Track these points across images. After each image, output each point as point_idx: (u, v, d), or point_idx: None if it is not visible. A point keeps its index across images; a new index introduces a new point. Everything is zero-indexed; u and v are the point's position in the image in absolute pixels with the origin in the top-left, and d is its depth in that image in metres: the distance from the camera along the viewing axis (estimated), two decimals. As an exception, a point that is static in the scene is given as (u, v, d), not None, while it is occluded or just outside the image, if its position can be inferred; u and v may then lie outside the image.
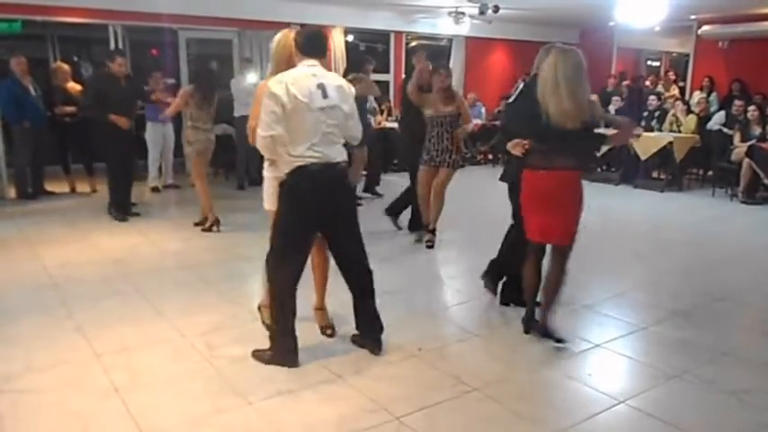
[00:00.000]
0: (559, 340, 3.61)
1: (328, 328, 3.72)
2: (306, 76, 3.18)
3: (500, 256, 4.34)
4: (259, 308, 3.84)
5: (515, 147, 3.54)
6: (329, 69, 3.44)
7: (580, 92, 3.42)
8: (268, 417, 2.81)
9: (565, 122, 3.37)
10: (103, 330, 3.72)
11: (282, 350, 3.30)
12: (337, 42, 10.48)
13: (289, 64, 3.33)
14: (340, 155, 3.29)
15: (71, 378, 3.14)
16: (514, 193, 3.88)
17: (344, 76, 7.53)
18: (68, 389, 3.04)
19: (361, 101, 7.60)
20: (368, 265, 3.49)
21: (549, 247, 3.66)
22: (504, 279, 4.29)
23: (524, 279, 3.78)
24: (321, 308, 3.79)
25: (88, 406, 2.89)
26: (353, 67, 6.93)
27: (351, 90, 3.34)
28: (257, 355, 3.36)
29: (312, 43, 3.28)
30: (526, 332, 3.76)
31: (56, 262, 5.08)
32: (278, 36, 3.52)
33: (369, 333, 3.52)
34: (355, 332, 3.59)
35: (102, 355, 3.40)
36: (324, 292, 3.77)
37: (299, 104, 3.10)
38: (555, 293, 3.63)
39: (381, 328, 3.52)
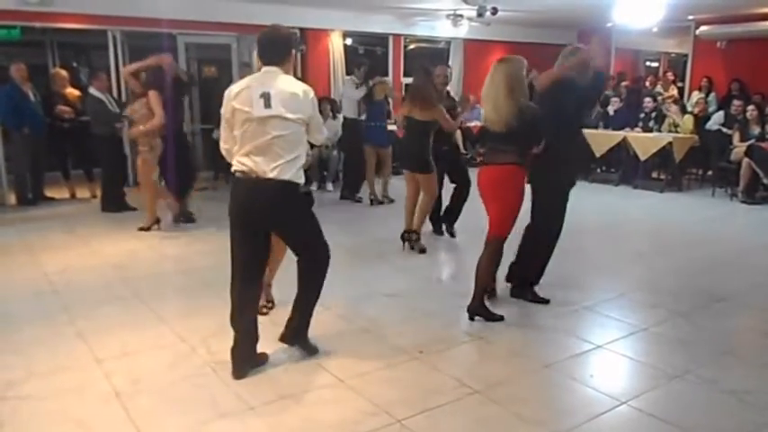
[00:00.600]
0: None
1: (264, 307, 3.87)
2: (255, 82, 3.08)
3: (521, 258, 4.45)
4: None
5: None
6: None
7: (502, 104, 3.85)
8: (269, 421, 2.81)
9: (492, 126, 3.92)
10: (104, 336, 3.73)
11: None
12: (336, 46, 10.50)
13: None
14: (276, 170, 3.04)
15: (72, 384, 3.14)
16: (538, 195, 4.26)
17: (366, 80, 7.73)
18: (69, 395, 3.04)
19: (381, 103, 7.66)
20: (316, 256, 3.33)
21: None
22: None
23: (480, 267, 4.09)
24: (268, 284, 3.89)
25: (89, 412, 2.88)
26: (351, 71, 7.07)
27: (306, 97, 3.11)
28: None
29: (266, 49, 3.14)
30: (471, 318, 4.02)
31: (56, 268, 5.09)
32: None
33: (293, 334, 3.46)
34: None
35: (102, 360, 3.40)
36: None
37: (238, 113, 3.05)
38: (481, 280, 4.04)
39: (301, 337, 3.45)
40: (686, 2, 8.58)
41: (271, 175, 3.04)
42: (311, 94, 3.16)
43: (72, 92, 7.98)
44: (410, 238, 5.71)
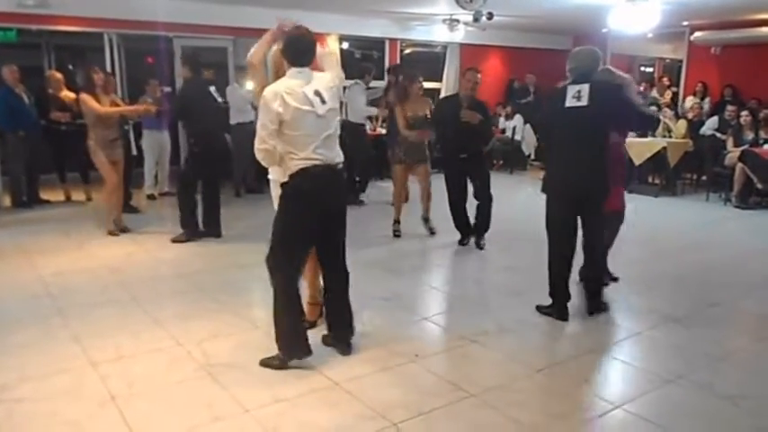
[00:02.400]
0: None
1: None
2: (300, 84, 3.22)
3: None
4: None
5: None
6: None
7: None
8: (265, 424, 2.81)
9: None
10: (99, 339, 3.72)
11: (292, 349, 3.35)
12: (332, 49, 10.50)
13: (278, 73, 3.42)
14: (339, 156, 3.37)
15: (67, 387, 3.14)
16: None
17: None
18: (64, 398, 3.03)
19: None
20: (346, 267, 3.58)
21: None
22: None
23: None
24: (314, 303, 3.88)
25: (84, 415, 2.88)
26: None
27: (337, 81, 3.41)
28: (265, 362, 3.37)
29: (298, 51, 3.31)
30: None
31: (51, 271, 5.07)
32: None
33: (341, 334, 3.57)
34: (326, 332, 3.62)
35: (98, 363, 3.39)
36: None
37: (299, 113, 3.16)
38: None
39: (353, 331, 3.59)
40: (681, 8, 8.63)
41: (338, 161, 3.35)
42: (334, 80, 3.39)
43: (67, 94, 7.94)
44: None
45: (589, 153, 3.97)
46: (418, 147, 6.11)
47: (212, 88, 5.81)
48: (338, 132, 3.39)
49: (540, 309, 4.23)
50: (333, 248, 3.51)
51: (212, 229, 6.21)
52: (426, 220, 6.36)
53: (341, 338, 3.57)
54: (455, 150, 5.79)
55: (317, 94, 3.23)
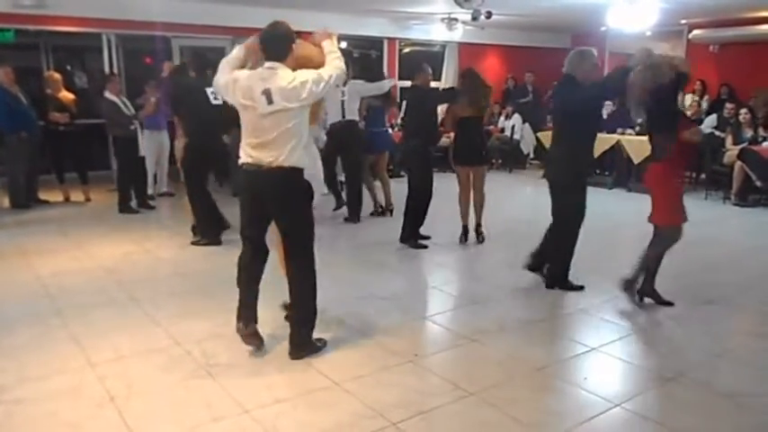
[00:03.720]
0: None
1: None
2: (255, 77, 3.26)
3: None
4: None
5: None
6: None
7: None
8: (264, 424, 2.81)
9: None
10: (98, 339, 3.71)
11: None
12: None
13: (297, 63, 3.37)
14: (280, 158, 3.26)
15: (66, 388, 3.13)
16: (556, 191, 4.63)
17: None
18: (63, 399, 3.03)
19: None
20: (298, 255, 3.47)
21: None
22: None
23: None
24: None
25: (83, 416, 2.87)
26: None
27: (303, 85, 3.20)
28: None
29: (269, 46, 3.31)
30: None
31: (50, 271, 5.07)
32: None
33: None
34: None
35: (96, 364, 3.39)
36: None
37: (240, 106, 3.29)
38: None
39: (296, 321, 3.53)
40: (679, 6, 8.64)
41: (275, 164, 3.27)
42: (300, 79, 3.21)
43: (66, 95, 7.96)
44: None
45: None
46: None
47: (210, 90, 5.80)
48: (299, 134, 3.29)
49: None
50: (282, 233, 3.51)
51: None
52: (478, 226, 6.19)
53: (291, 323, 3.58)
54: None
55: (266, 92, 3.19)
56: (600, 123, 4.75)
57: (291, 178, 3.33)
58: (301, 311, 3.50)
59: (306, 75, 3.24)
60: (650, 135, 4.30)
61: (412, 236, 5.99)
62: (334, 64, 3.36)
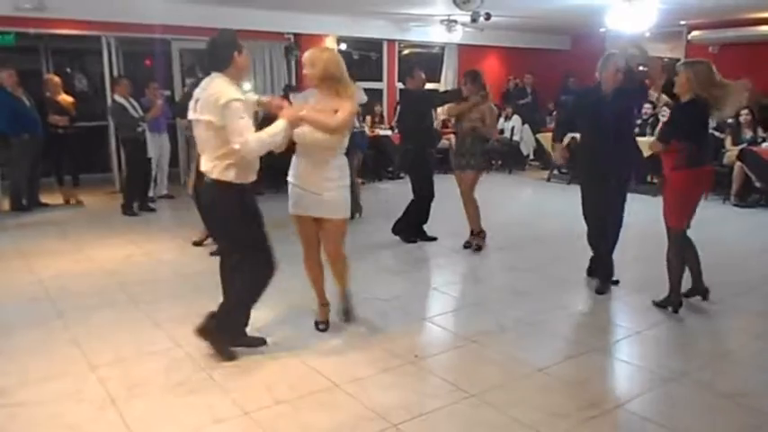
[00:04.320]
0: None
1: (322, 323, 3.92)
2: (199, 89, 3.33)
3: None
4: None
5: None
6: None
7: None
8: (265, 426, 2.81)
9: None
10: (99, 342, 3.71)
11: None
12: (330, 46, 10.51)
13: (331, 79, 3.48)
14: (206, 167, 3.30)
15: (67, 390, 3.13)
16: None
17: None
18: (64, 401, 3.03)
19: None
20: (237, 265, 3.48)
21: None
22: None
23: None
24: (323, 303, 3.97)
25: (84, 418, 2.88)
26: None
27: (216, 103, 3.13)
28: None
29: (210, 55, 3.31)
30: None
31: (50, 274, 5.07)
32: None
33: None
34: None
35: (97, 366, 3.39)
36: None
37: None
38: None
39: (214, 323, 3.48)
40: (678, 7, 8.64)
41: (206, 172, 3.31)
42: (222, 100, 3.12)
43: (65, 98, 7.97)
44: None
45: None
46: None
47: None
48: (214, 143, 3.24)
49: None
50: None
51: None
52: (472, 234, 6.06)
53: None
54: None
55: (196, 100, 3.27)
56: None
57: (214, 191, 3.29)
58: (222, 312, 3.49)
59: (235, 103, 3.13)
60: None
61: (405, 230, 6.16)
62: (270, 132, 3.27)
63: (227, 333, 3.50)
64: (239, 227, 3.37)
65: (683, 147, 4.02)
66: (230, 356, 3.45)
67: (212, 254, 5.36)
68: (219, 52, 3.27)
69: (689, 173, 4.07)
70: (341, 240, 3.77)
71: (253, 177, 3.40)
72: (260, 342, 3.61)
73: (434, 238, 6.18)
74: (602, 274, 4.67)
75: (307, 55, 3.56)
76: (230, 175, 3.24)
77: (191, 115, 3.31)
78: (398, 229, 6.17)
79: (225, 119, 3.13)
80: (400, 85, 11.56)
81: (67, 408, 2.97)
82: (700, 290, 4.43)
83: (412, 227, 6.16)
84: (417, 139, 6.04)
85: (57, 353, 3.58)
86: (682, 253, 4.28)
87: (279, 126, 3.31)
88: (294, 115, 3.38)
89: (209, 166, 3.28)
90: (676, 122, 4.18)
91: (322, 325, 3.89)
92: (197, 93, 3.30)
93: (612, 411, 2.98)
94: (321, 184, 3.56)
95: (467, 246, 5.92)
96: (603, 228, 4.63)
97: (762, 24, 9.90)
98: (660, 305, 4.30)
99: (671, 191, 4.22)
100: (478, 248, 5.84)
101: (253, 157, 3.28)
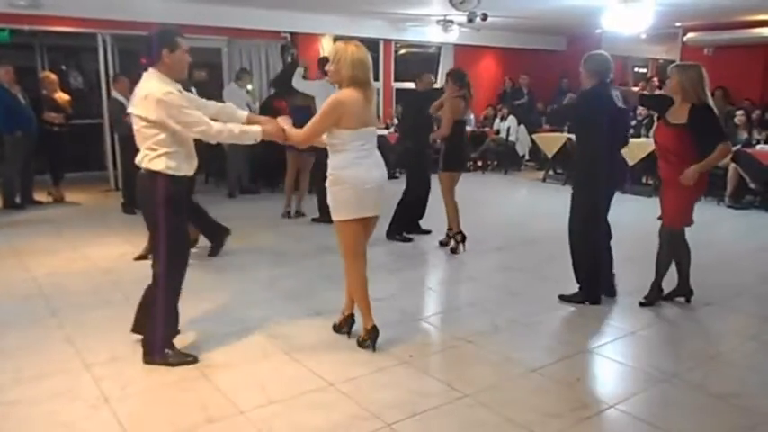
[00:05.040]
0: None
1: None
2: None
3: None
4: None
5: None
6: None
7: None
8: (259, 426, 2.81)
9: None
10: (93, 340, 3.71)
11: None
12: (327, 50, 10.51)
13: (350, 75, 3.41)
14: (138, 157, 3.41)
15: (61, 389, 3.13)
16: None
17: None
18: (58, 400, 3.02)
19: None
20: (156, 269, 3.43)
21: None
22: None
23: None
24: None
25: (78, 416, 2.87)
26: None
27: (146, 99, 3.23)
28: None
29: (147, 51, 3.37)
30: None
31: (44, 272, 5.06)
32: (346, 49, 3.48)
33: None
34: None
35: (91, 365, 3.39)
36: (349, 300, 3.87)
37: None
38: None
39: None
40: (674, 9, 8.67)
41: (137, 163, 3.41)
42: (152, 97, 3.21)
43: (61, 96, 7.95)
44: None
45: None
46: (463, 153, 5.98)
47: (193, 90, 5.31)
48: (144, 134, 3.37)
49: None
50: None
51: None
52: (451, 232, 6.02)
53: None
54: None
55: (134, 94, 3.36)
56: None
57: (145, 180, 3.37)
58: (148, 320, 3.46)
59: (169, 96, 3.21)
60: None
61: (398, 231, 6.23)
62: (241, 131, 3.41)
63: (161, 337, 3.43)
64: (162, 217, 3.34)
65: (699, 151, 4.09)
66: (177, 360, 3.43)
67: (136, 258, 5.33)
68: (151, 49, 3.33)
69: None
70: (341, 244, 3.68)
71: (188, 171, 3.43)
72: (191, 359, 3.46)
73: (428, 231, 6.35)
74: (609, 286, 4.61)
75: (333, 49, 3.52)
76: (160, 165, 3.31)
77: (129, 109, 3.40)
78: (391, 231, 6.21)
79: (168, 114, 3.21)
80: (398, 86, 11.63)
81: (61, 406, 2.96)
82: (685, 291, 4.48)
83: (404, 224, 6.25)
84: (417, 138, 6.15)
85: (51, 351, 3.57)
86: (674, 253, 4.31)
87: (252, 133, 3.42)
88: (277, 134, 3.46)
89: (140, 156, 3.37)
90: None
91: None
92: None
93: (606, 412, 2.99)
94: None
95: (442, 244, 5.97)
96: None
97: (756, 27, 9.94)
98: (645, 303, 4.38)
99: (682, 191, 4.23)
100: (454, 251, 5.82)
101: (213, 141, 3.40)
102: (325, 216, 6.91)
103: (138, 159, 3.38)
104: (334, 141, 3.46)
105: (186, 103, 3.30)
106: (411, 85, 6.45)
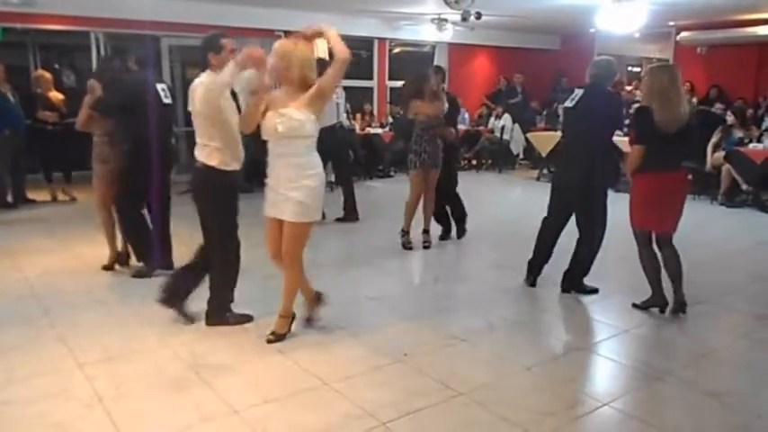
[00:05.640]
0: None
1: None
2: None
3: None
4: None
5: None
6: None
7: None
8: (254, 425, 2.80)
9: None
10: (86, 340, 3.69)
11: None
12: (321, 49, 10.48)
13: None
14: (196, 151, 3.70)
15: (53, 389, 3.11)
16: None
17: None
18: (51, 400, 3.01)
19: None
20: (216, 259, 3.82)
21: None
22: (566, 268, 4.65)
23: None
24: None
25: (71, 416, 2.86)
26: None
27: (193, 88, 3.59)
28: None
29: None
30: None
31: (37, 271, 5.03)
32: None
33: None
34: None
35: (84, 364, 3.37)
36: None
37: None
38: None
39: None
40: (667, 8, 8.70)
41: (196, 156, 3.72)
42: (197, 85, 3.58)
43: (56, 94, 7.91)
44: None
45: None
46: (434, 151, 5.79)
47: (161, 86, 4.88)
48: (199, 131, 3.67)
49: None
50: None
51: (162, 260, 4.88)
52: (427, 232, 6.01)
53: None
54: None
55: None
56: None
57: (201, 174, 3.69)
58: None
59: (203, 84, 3.54)
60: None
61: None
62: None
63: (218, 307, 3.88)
64: (217, 211, 3.72)
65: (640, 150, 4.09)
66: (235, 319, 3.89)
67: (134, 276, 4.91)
68: (201, 55, 3.71)
69: (647, 177, 4.12)
70: (299, 246, 3.62)
71: (235, 165, 3.71)
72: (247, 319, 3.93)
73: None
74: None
75: (278, 48, 3.48)
76: (214, 161, 3.61)
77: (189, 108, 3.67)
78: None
79: (211, 96, 3.49)
80: (392, 84, 11.63)
81: (54, 406, 2.95)
82: (658, 302, 4.27)
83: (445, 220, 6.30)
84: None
85: (43, 351, 3.55)
86: (645, 254, 4.27)
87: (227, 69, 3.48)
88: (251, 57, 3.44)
89: (197, 151, 3.68)
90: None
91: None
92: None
93: (600, 409, 2.99)
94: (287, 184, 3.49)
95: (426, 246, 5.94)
96: None
97: (749, 26, 9.99)
98: (641, 307, 4.30)
99: (632, 190, 4.30)
100: (405, 246, 5.87)
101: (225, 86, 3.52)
102: (350, 215, 6.97)
103: (196, 153, 3.70)
104: (314, 137, 3.52)
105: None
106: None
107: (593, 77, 4.41)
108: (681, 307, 4.16)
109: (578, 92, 4.45)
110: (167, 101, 4.86)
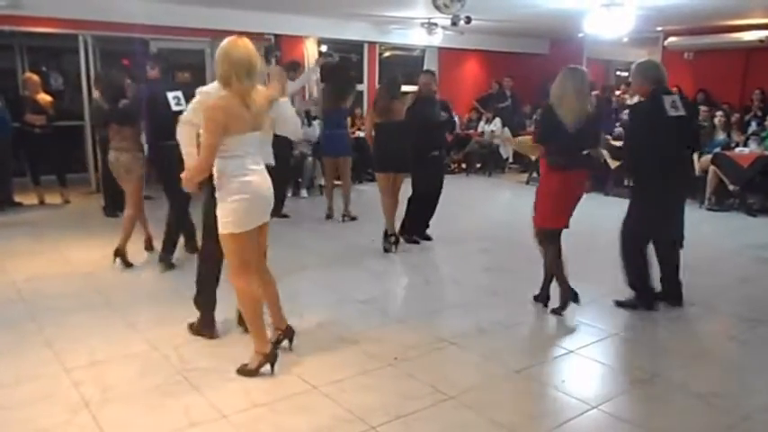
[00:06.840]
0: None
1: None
2: None
3: None
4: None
5: None
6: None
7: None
8: (243, 429, 2.79)
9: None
10: (73, 344, 3.66)
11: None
12: (311, 52, 10.49)
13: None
14: None
15: (40, 393, 3.08)
16: None
17: None
18: (37, 404, 2.98)
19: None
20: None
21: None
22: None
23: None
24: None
25: (58, 421, 2.83)
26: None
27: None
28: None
29: None
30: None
31: (24, 275, 4.99)
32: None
33: None
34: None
35: (71, 369, 3.34)
36: None
37: None
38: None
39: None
40: (655, 13, 8.76)
41: None
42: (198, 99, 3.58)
43: (44, 97, 7.84)
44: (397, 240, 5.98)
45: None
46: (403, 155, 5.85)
47: (172, 94, 5.08)
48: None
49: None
50: None
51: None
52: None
53: None
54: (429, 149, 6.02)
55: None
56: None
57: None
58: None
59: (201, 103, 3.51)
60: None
61: (407, 232, 6.21)
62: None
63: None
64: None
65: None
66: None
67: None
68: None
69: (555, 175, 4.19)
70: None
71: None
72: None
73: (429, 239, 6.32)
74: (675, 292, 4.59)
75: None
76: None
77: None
78: (404, 231, 6.24)
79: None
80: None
81: (40, 411, 2.92)
82: (562, 301, 4.36)
83: (415, 225, 6.27)
84: (418, 139, 6.07)
85: (29, 355, 3.52)
86: (549, 253, 4.36)
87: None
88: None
89: None
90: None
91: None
92: None
93: (589, 413, 3.00)
94: None
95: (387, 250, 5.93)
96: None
97: (735, 31, 10.09)
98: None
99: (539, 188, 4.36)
100: (387, 250, 5.88)
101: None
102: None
103: None
104: (222, 148, 3.14)
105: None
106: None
107: (660, 81, 4.29)
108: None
109: (674, 97, 4.27)
110: (178, 108, 4.86)
